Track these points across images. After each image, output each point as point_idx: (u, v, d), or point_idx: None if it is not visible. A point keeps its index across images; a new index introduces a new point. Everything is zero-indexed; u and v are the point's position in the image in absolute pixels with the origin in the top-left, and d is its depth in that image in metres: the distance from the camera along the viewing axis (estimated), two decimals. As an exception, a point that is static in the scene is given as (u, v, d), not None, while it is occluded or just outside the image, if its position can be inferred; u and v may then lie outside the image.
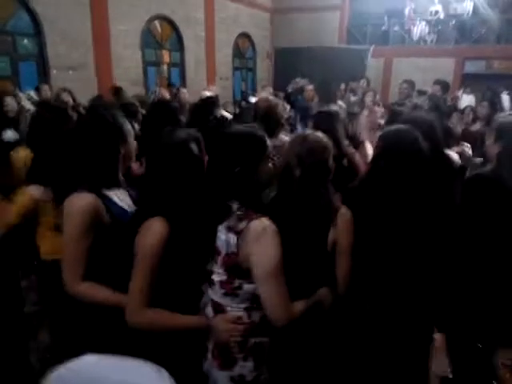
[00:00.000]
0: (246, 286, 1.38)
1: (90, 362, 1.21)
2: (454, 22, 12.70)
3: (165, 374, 1.32)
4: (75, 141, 1.65)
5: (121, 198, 1.70)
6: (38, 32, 7.60)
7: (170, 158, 1.49)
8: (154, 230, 1.40)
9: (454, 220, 1.67)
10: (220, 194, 1.42)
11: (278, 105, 2.83)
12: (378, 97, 5.98)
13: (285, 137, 2.78)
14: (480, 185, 1.89)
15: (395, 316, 1.63)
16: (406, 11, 13.47)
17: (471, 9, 12.55)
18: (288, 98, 6.89)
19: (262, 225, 1.35)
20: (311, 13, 13.56)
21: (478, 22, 12.45)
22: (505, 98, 9.81)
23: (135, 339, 1.44)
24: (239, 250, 1.36)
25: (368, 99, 5.28)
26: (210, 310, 1.46)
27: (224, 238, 1.39)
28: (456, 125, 5.19)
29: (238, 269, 1.37)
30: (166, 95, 6.64)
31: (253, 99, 4.48)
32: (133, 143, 1.79)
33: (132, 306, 1.40)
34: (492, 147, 2.01)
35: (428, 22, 13.07)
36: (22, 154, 2.41)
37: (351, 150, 2.85)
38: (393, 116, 4.10)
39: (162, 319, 1.43)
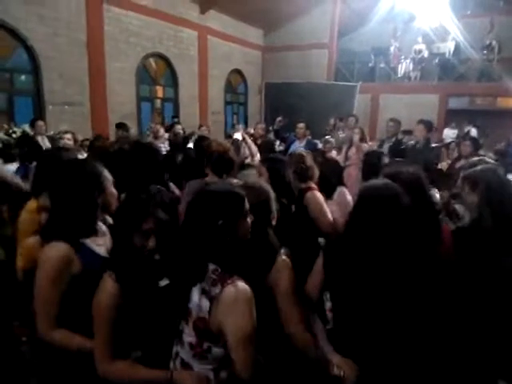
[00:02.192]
0: (215, 350, 1.36)
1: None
2: (437, 60, 13.23)
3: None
4: (54, 190, 1.71)
5: (100, 242, 1.73)
6: (35, 69, 7.79)
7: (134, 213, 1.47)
8: (102, 289, 1.46)
9: (441, 275, 1.63)
10: (195, 254, 1.39)
11: (230, 149, 2.91)
12: (365, 134, 6.19)
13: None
14: (463, 240, 1.94)
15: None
16: (392, 49, 14.05)
17: (453, 48, 13.13)
18: (277, 135, 7.08)
19: (235, 292, 1.32)
20: (301, 50, 14.06)
21: (460, 61, 13.00)
22: (473, 130, 10.34)
23: None
24: (211, 315, 1.33)
25: (355, 137, 5.47)
26: (178, 364, 1.45)
27: (197, 301, 1.36)
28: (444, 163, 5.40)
29: (209, 333, 1.35)
30: (161, 131, 6.81)
31: (236, 135, 4.61)
32: (112, 191, 1.82)
33: (97, 358, 1.47)
34: (469, 196, 2.08)
35: (412, 60, 13.61)
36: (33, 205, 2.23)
37: (313, 193, 2.82)
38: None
39: (128, 371, 1.45)
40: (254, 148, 4.56)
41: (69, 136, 5.36)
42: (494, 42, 12.53)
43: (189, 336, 1.39)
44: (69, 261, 1.61)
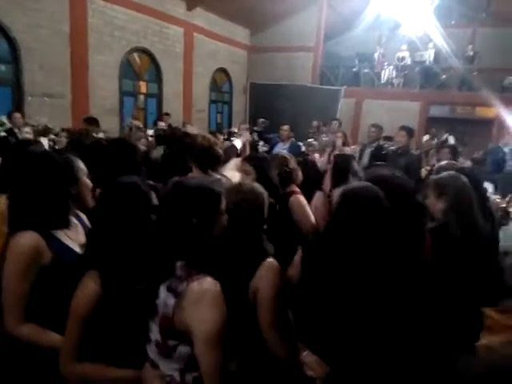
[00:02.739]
0: (181, 348, 1.32)
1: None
2: (419, 68, 13.48)
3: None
4: (24, 181, 1.64)
5: (72, 237, 1.69)
6: (15, 59, 7.59)
7: (118, 199, 1.47)
8: (85, 287, 1.41)
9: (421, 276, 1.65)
10: (167, 251, 1.36)
11: (217, 144, 2.87)
12: (348, 138, 6.25)
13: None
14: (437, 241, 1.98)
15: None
16: (376, 55, 14.24)
17: (433, 56, 13.39)
18: (261, 135, 7.10)
19: (201, 288, 1.28)
20: (286, 52, 14.09)
21: (442, 69, 13.27)
22: (450, 138, 10.63)
23: None
24: (176, 313, 1.29)
25: (338, 141, 5.52)
26: (147, 364, 1.43)
27: (163, 298, 1.33)
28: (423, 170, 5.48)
29: (173, 331, 1.31)
30: (140, 126, 6.73)
31: (236, 141, 4.52)
32: (86, 182, 1.79)
33: (62, 359, 1.42)
34: (435, 202, 2.12)
35: (395, 67, 13.83)
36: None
37: (296, 197, 2.81)
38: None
39: (93, 372, 1.42)
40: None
41: (27, 129, 5.19)
42: (475, 53, 12.85)
43: (155, 334, 1.36)
44: (39, 250, 1.55)
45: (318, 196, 3.21)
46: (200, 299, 1.27)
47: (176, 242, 1.36)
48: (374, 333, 1.50)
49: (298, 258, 1.74)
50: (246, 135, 4.38)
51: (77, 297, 1.41)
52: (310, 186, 3.22)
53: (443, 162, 3.30)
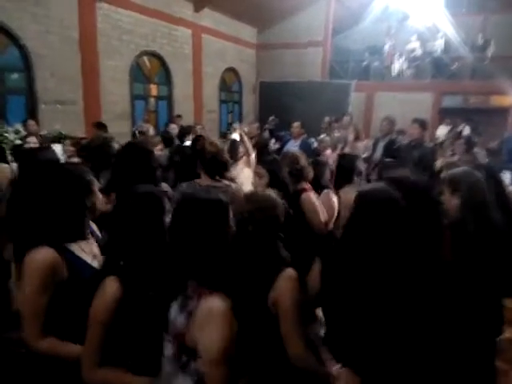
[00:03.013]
0: (193, 364, 1.34)
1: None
2: (430, 58, 13.28)
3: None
4: (38, 195, 1.66)
5: (86, 250, 1.71)
6: (27, 67, 7.71)
7: (134, 212, 1.48)
8: (105, 292, 1.42)
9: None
10: (178, 267, 1.37)
11: (224, 150, 2.87)
12: (360, 132, 6.20)
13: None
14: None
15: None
16: (386, 48, 14.08)
17: (443, 45, 13.18)
18: (272, 133, 7.08)
19: (209, 307, 1.29)
20: (295, 48, 14.03)
21: (453, 59, 13.05)
22: (466, 128, 10.42)
23: None
24: (187, 330, 1.32)
25: (350, 136, 5.47)
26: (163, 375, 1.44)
27: (174, 315, 1.36)
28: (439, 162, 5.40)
29: (186, 348, 1.33)
30: (150, 130, 6.75)
31: (234, 135, 4.55)
32: (98, 194, 1.80)
33: (84, 366, 1.44)
34: (449, 199, 2.08)
35: (406, 58, 13.65)
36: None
37: (308, 194, 2.81)
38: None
39: (115, 378, 1.45)
40: (250, 146, 4.55)
41: (34, 139, 5.23)
42: (486, 41, 12.60)
43: (170, 348, 1.38)
44: (55, 266, 1.57)
45: (326, 193, 3.20)
46: (207, 319, 1.28)
47: (186, 259, 1.36)
48: (403, 337, 1.46)
49: (317, 268, 1.71)
50: (239, 129, 4.42)
51: (96, 302, 1.43)
52: (322, 185, 3.21)
53: (453, 159, 3.24)
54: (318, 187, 3.12)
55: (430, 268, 1.54)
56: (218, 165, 2.75)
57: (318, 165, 3.41)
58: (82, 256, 1.68)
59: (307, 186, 2.86)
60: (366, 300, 1.47)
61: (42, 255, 1.57)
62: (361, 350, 1.50)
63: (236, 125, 7.40)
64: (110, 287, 1.42)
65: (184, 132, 6.48)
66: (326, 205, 3.06)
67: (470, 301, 1.83)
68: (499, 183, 2.31)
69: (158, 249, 1.46)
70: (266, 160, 2.84)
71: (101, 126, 6.27)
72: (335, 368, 1.51)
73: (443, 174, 2.25)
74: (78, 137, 6.39)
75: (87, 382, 1.44)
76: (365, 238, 1.51)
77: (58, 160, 1.74)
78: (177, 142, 5.98)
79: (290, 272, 1.60)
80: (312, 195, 2.82)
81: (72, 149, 5.34)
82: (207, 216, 1.37)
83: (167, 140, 5.69)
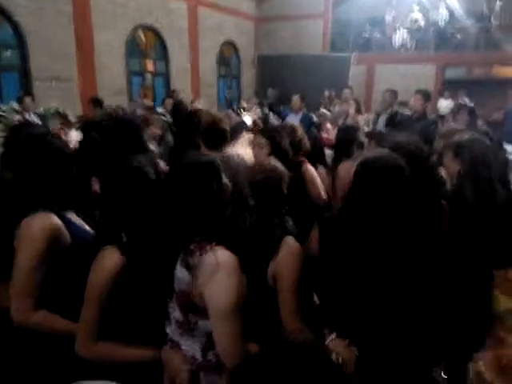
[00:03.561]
0: (202, 323, 1.29)
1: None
2: (432, 29, 12.96)
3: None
4: (27, 164, 1.58)
5: (77, 221, 1.64)
6: (21, 44, 7.52)
7: (124, 183, 1.44)
8: (105, 262, 1.36)
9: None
10: (179, 228, 1.33)
11: (222, 120, 2.77)
12: (361, 105, 6.09)
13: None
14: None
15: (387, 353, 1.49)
16: (387, 19, 13.72)
17: (447, 16, 12.84)
18: (271, 108, 6.95)
19: (214, 260, 1.23)
20: (294, 21, 13.68)
21: (456, 29, 12.74)
22: (466, 100, 10.28)
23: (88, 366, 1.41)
24: (192, 287, 1.26)
25: (351, 109, 5.37)
26: (169, 343, 1.41)
27: (178, 273, 1.31)
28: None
29: (193, 306, 1.28)
30: (150, 104, 6.63)
31: (246, 118, 4.40)
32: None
33: (80, 339, 1.38)
34: (451, 164, 2.04)
35: (408, 29, 13.32)
36: None
37: (307, 166, 2.77)
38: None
39: (112, 352, 1.39)
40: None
41: (33, 117, 5.10)
42: (490, 10, 12.25)
43: (175, 312, 1.33)
44: (58, 232, 1.48)
45: (320, 170, 3.15)
46: (214, 271, 1.21)
47: (185, 219, 1.32)
48: (401, 307, 1.44)
49: (315, 234, 1.65)
50: (257, 112, 4.28)
51: (95, 272, 1.36)
52: (315, 160, 3.13)
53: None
54: (312, 162, 3.04)
55: (428, 238, 1.50)
56: (216, 134, 2.65)
57: (314, 139, 3.34)
58: (77, 222, 1.62)
59: (304, 158, 2.81)
60: (366, 268, 1.45)
61: (45, 220, 1.47)
62: (357, 319, 1.48)
63: (253, 100, 7.03)
64: (111, 258, 1.35)
65: (178, 108, 6.27)
66: (323, 180, 3.01)
67: (464, 272, 1.81)
68: (500, 153, 2.26)
69: (157, 217, 1.42)
70: (265, 129, 2.76)
71: (97, 102, 6.13)
72: (330, 338, 1.48)
73: (446, 140, 2.19)
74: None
75: (82, 356, 1.38)
76: (369, 206, 1.46)
77: (44, 134, 1.68)
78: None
79: (293, 245, 1.54)
80: (311, 167, 2.78)
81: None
82: (198, 175, 1.33)
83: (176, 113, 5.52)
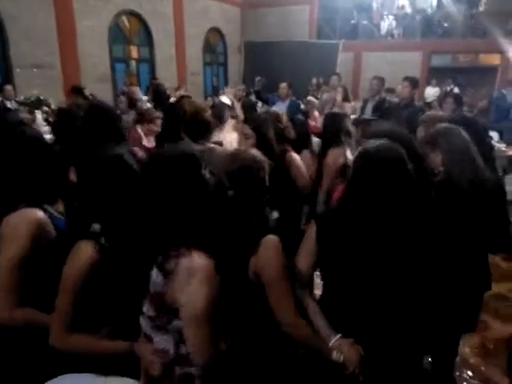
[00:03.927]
0: (175, 322, 1.29)
1: (68, 382, 1.20)
2: (419, 16, 12.96)
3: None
4: (9, 158, 1.53)
5: (54, 213, 1.60)
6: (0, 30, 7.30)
7: (104, 172, 1.41)
8: (80, 254, 1.34)
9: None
10: (155, 227, 1.29)
11: (205, 110, 2.70)
12: (348, 93, 6.06)
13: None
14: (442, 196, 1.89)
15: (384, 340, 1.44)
16: (374, 5, 13.68)
17: (435, 3, 12.86)
18: (259, 96, 6.88)
19: (190, 265, 1.23)
20: (281, 6, 13.55)
21: (443, 17, 12.76)
22: (455, 89, 10.38)
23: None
24: (167, 290, 1.26)
25: (338, 96, 5.34)
26: (142, 337, 1.40)
27: (153, 276, 1.30)
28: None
29: (166, 308, 1.29)
30: (137, 92, 6.49)
31: (224, 98, 4.40)
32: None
33: (54, 330, 1.37)
34: (432, 155, 2.04)
35: (395, 16, 13.30)
36: None
37: (291, 154, 2.72)
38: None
39: (87, 344, 1.38)
40: (240, 113, 4.41)
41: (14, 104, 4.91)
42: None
43: (148, 310, 1.34)
44: (43, 227, 1.45)
45: (305, 156, 3.11)
46: (189, 276, 1.23)
47: (161, 218, 1.29)
48: (401, 302, 1.40)
49: (311, 232, 1.55)
50: (230, 91, 4.23)
51: (70, 264, 1.35)
52: (301, 146, 3.09)
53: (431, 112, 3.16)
54: (297, 148, 3.00)
55: (427, 232, 1.46)
56: (199, 126, 2.59)
57: (295, 124, 3.27)
58: (58, 216, 1.58)
59: (289, 146, 2.77)
60: (367, 263, 1.39)
61: (26, 216, 1.43)
62: (360, 316, 1.43)
63: (227, 88, 7.11)
64: (86, 251, 1.34)
65: (159, 95, 6.11)
66: (308, 166, 2.98)
67: (458, 259, 1.81)
68: (478, 132, 2.25)
69: (134, 211, 1.37)
70: (252, 119, 2.69)
71: (78, 91, 5.95)
72: (334, 339, 1.42)
73: (427, 128, 2.18)
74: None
75: (57, 348, 1.37)
76: (371, 201, 1.38)
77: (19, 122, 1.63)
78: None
79: (272, 239, 1.48)
80: (295, 155, 2.74)
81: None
82: (175, 170, 1.29)
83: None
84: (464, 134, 2.01)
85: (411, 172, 1.39)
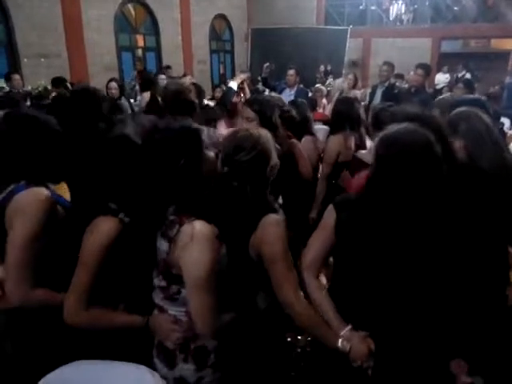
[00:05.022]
0: (184, 291, 1.31)
1: (80, 369, 1.20)
2: (429, 0, 12.70)
3: (157, 377, 1.32)
4: (12, 140, 1.50)
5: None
6: (5, 18, 7.28)
7: (113, 152, 1.41)
8: (102, 230, 1.34)
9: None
10: (155, 198, 1.32)
11: (189, 89, 2.58)
12: (357, 79, 5.99)
13: None
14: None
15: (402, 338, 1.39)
16: (383, -10, 13.42)
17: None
18: (266, 83, 6.78)
19: (192, 230, 1.24)
20: (288, -8, 13.35)
21: (453, 1, 12.48)
22: (467, 76, 10.20)
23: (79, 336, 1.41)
24: (170, 257, 1.28)
25: (345, 83, 5.27)
26: (155, 311, 1.42)
27: (158, 244, 1.33)
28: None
29: (172, 275, 1.31)
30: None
31: (231, 83, 4.34)
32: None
33: (69, 306, 1.35)
34: (454, 142, 1.98)
35: (404, 1, 13.04)
36: None
37: (294, 140, 2.68)
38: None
39: (101, 319, 1.38)
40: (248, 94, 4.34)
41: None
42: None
43: (158, 280, 1.36)
44: (54, 205, 1.44)
45: (307, 140, 3.07)
46: (190, 242, 1.24)
47: (164, 187, 1.31)
48: (425, 297, 1.34)
49: (329, 219, 1.47)
50: (241, 76, 4.12)
51: (92, 239, 1.34)
52: (299, 130, 3.03)
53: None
54: (297, 132, 2.94)
55: (455, 223, 1.40)
56: (181, 105, 2.43)
57: (298, 106, 3.20)
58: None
59: (290, 133, 2.72)
60: (393, 254, 1.33)
61: (37, 193, 1.41)
62: (378, 312, 1.37)
63: (241, 74, 6.95)
64: (108, 226, 1.33)
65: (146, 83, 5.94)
66: (310, 151, 2.94)
67: (480, 252, 1.75)
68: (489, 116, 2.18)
69: (147, 186, 1.36)
70: (253, 101, 2.57)
71: (57, 82, 5.89)
72: (345, 330, 1.37)
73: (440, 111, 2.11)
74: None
75: (71, 323, 1.36)
76: (396, 189, 1.30)
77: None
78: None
79: (274, 217, 1.43)
80: (297, 141, 2.71)
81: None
82: (174, 142, 1.30)
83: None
84: (485, 116, 1.95)
85: (440, 158, 1.29)
